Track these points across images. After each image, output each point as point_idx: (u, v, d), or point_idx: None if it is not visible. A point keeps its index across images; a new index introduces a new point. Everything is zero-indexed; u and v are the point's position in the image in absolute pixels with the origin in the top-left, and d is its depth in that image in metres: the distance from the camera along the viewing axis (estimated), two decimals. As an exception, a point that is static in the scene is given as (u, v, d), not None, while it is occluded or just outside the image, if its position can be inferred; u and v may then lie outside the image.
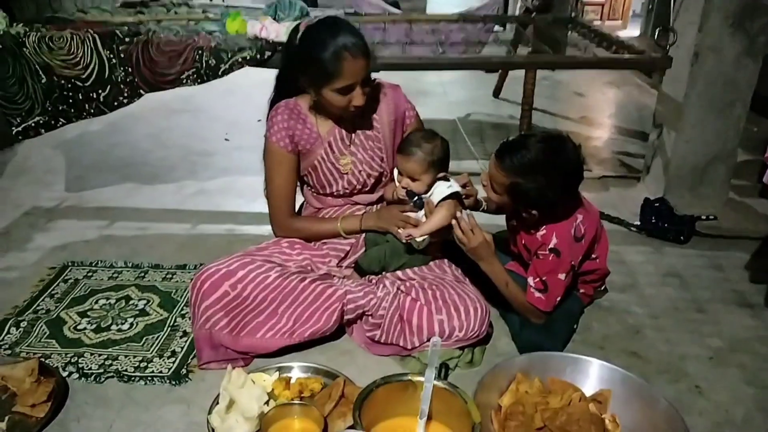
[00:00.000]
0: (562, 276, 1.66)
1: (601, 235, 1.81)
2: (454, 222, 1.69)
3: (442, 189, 1.75)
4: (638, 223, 2.53)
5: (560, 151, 1.59)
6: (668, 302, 2.05)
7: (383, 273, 1.84)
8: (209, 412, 1.47)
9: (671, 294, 2.09)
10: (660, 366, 1.73)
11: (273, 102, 1.86)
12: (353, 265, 1.87)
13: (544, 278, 1.67)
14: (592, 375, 1.54)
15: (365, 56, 1.63)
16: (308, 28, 1.69)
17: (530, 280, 1.69)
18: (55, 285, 2.06)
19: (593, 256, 1.80)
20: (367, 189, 1.91)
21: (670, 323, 1.93)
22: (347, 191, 1.89)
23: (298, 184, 1.96)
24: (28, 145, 3.22)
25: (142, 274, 2.14)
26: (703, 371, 1.72)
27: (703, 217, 2.50)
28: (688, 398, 1.61)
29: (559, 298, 1.69)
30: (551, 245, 1.64)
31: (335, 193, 1.90)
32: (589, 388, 1.52)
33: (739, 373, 1.72)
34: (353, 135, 1.85)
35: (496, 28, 3.39)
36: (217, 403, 1.47)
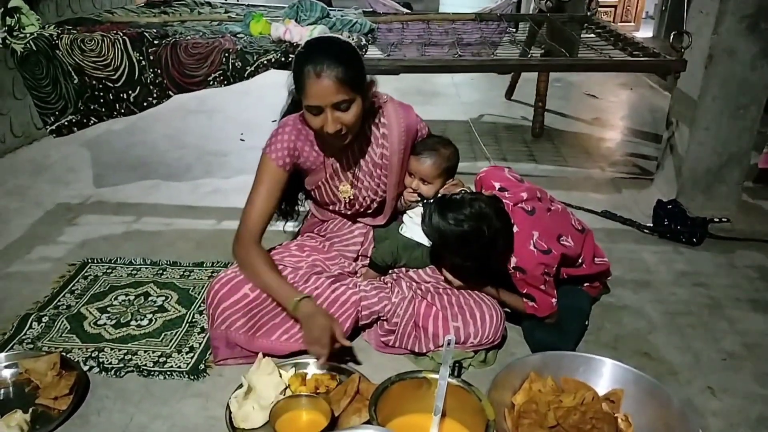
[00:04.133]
0: (542, 287, 1.67)
1: (583, 240, 1.81)
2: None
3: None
4: (651, 224, 2.54)
5: (475, 234, 1.58)
6: (681, 304, 2.05)
7: (396, 266, 1.86)
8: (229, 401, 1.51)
9: (684, 295, 2.10)
10: (673, 367, 1.74)
11: (287, 112, 1.83)
12: (367, 263, 1.89)
13: (525, 291, 1.70)
14: (605, 374, 1.55)
15: (329, 80, 1.51)
16: (308, 41, 1.67)
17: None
18: (75, 281, 2.10)
19: (578, 262, 1.80)
20: (369, 212, 1.92)
21: (682, 324, 1.94)
22: (348, 212, 1.90)
23: (303, 195, 1.97)
24: (48, 144, 3.28)
25: (161, 271, 2.17)
26: (716, 372, 1.73)
27: (716, 219, 2.50)
28: (701, 399, 1.62)
29: (554, 300, 1.70)
30: (512, 264, 1.66)
31: (336, 211, 1.92)
32: (602, 387, 1.53)
33: (753, 374, 1.72)
34: (361, 161, 1.79)
35: (508, 28, 3.39)
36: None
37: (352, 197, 1.83)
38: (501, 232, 1.61)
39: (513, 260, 1.66)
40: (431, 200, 1.79)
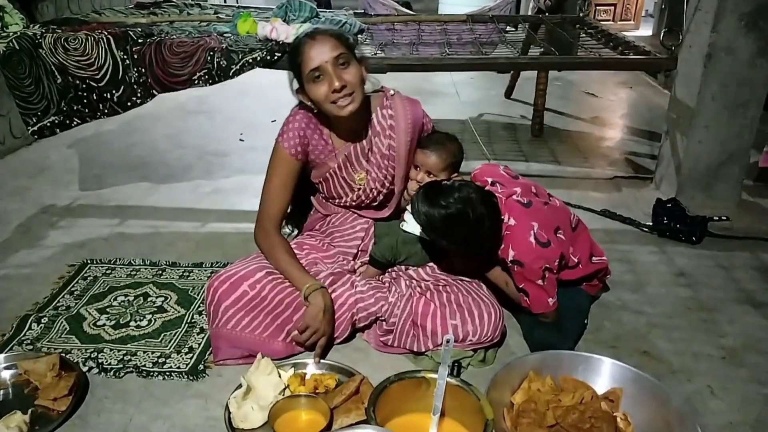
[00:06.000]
0: (539, 282, 1.66)
1: (575, 238, 1.80)
2: None
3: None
4: (650, 223, 2.54)
5: (460, 219, 1.60)
6: (680, 302, 2.05)
7: (396, 262, 1.86)
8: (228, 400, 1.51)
9: (683, 294, 2.10)
10: (672, 365, 1.74)
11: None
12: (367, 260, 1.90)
13: (521, 286, 1.70)
14: (604, 374, 1.55)
15: (326, 37, 1.62)
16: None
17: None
18: (74, 282, 2.10)
19: (574, 261, 1.78)
20: (375, 204, 1.93)
21: (682, 323, 1.94)
22: (354, 204, 1.91)
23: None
24: (47, 144, 3.28)
25: (160, 272, 2.17)
26: (716, 371, 1.73)
27: (716, 218, 2.50)
28: (701, 398, 1.62)
29: (551, 300, 1.69)
30: (510, 258, 1.66)
31: (343, 204, 1.93)
32: (601, 386, 1.53)
33: (752, 373, 1.72)
34: (369, 153, 1.83)
35: (508, 28, 3.40)
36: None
37: (364, 184, 1.85)
38: (486, 217, 1.63)
39: (511, 253, 1.65)
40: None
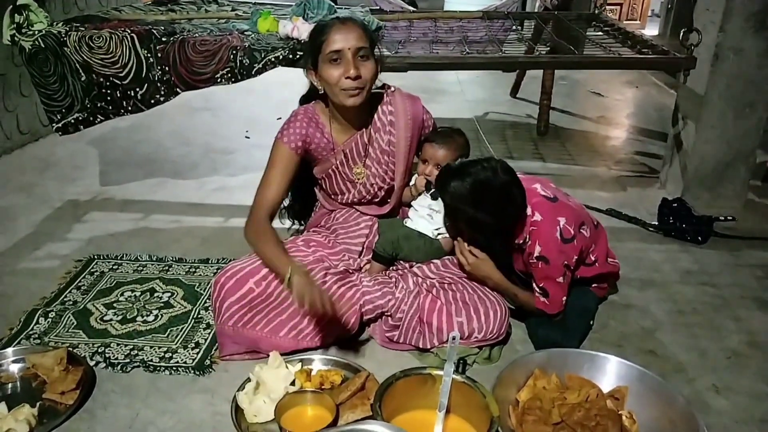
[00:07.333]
0: (560, 279, 1.67)
1: (597, 236, 1.81)
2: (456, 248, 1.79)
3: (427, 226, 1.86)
4: (656, 223, 2.53)
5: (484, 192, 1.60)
6: (686, 302, 2.05)
7: (397, 257, 1.87)
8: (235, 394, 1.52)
9: (689, 294, 2.10)
10: (677, 365, 1.74)
11: (303, 100, 1.90)
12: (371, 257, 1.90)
13: (541, 285, 1.70)
14: (610, 372, 1.55)
15: (355, 26, 1.66)
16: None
17: (534, 286, 1.72)
18: (81, 277, 2.11)
19: (592, 258, 1.78)
20: (377, 201, 1.94)
21: (687, 323, 1.94)
22: (356, 200, 1.92)
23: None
24: (54, 141, 3.30)
25: (166, 268, 2.18)
26: (721, 370, 1.72)
27: (722, 218, 2.50)
28: (706, 397, 1.62)
29: (564, 298, 1.70)
30: (536, 254, 1.66)
31: (345, 201, 1.94)
32: (607, 384, 1.53)
33: (758, 372, 1.72)
34: (369, 148, 1.85)
35: (513, 27, 3.39)
36: (243, 388, 1.52)
37: (365, 179, 1.87)
38: (513, 185, 1.63)
39: (538, 249, 1.65)
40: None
